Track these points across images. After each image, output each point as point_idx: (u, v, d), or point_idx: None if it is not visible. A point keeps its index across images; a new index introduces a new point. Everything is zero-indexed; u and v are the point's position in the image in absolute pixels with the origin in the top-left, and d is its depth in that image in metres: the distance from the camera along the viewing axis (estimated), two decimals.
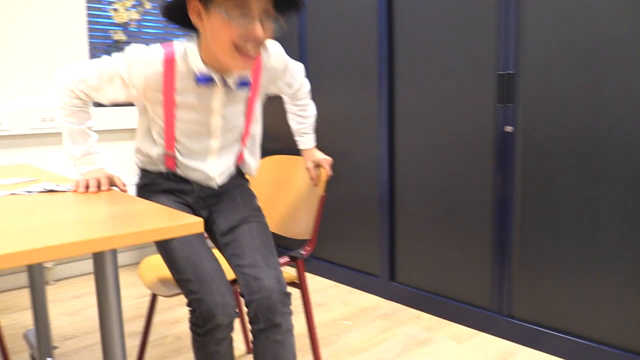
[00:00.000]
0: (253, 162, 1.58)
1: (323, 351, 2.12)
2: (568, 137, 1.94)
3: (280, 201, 1.79)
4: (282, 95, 1.65)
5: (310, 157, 1.66)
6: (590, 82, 1.86)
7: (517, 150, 2.09)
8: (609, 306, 1.89)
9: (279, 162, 1.88)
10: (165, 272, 1.52)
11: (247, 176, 1.60)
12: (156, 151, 1.44)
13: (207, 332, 1.30)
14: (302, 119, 1.68)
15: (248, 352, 2.12)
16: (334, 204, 2.89)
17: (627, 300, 1.85)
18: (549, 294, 2.06)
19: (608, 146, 1.84)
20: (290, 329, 1.36)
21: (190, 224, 0.98)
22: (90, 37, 3.02)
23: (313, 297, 2.72)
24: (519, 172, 2.09)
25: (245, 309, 1.37)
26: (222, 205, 1.51)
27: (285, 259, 1.60)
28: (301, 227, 1.67)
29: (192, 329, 1.34)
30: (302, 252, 1.62)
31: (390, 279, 2.65)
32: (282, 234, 1.75)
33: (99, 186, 1.32)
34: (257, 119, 1.54)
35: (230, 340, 1.37)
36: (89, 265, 3.09)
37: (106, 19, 3.09)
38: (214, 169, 1.47)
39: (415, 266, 2.54)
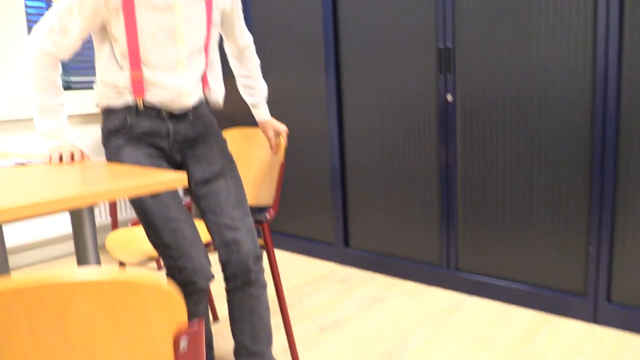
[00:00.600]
0: (218, 87, 1.57)
1: None
2: (501, 103, 2.11)
3: (242, 172, 1.87)
4: (234, 66, 1.71)
5: (270, 127, 1.74)
6: (520, 52, 2.04)
7: (458, 117, 2.25)
8: (543, 253, 2.10)
9: (237, 135, 1.94)
10: (133, 244, 1.57)
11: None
12: (122, 77, 1.39)
13: (186, 295, 1.38)
14: (256, 91, 1.74)
15: (214, 319, 2.20)
16: (287, 178, 2.99)
17: (558, 246, 2.05)
18: (491, 247, 2.25)
19: (537, 109, 2.03)
20: (264, 285, 1.47)
21: (166, 181, 1.02)
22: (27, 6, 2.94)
23: None
24: (460, 136, 2.26)
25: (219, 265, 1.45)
26: (197, 152, 1.50)
27: None
28: (264, 195, 1.76)
29: None
30: (267, 215, 1.70)
31: (344, 245, 2.78)
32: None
33: (72, 158, 1.35)
34: (216, 35, 1.53)
35: (207, 300, 1.45)
36: (52, 251, 3.06)
37: None
38: (185, 82, 1.42)
39: (368, 231, 2.68)
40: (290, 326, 1.82)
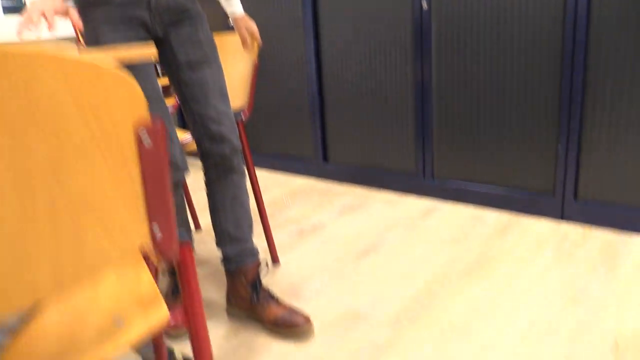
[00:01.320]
0: None
1: None
2: (475, 11, 2.11)
3: None
4: None
5: (244, 25, 1.70)
6: None
7: (433, 27, 2.24)
8: (515, 156, 2.16)
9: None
10: None
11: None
12: None
13: None
14: None
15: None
16: (266, 101, 2.98)
17: (529, 148, 2.11)
18: (466, 154, 2.30)
19: (510, 15, 2.03)
20: (244, 173, 1.51)
21: (135, 53, 0.98)
22: None
23: None
24: (435, 46, 2.26)
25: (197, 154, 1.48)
26: (182, 31, 1.41)
27: None
28: (239, 96, 1.77)
29: None
30: (242, 115, 1.72)
31: (323, 160, 2.82)
32: None
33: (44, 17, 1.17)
34: None
35: (183, 194, 1.49)
36: None
37: None
38: None
39: (346, 146, 2.71)
40: (269, 230, 1.88)
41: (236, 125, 1.48)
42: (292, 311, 1.50)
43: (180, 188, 1.46)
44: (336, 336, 1.46)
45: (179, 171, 1.40)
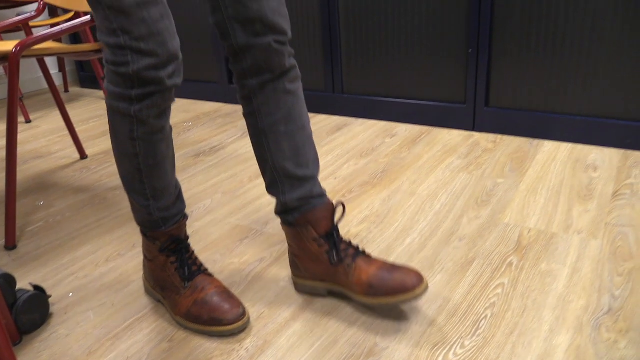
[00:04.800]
0: None
1: None
2: None
3: None
4: None
5: None
6: None
7: None
8: (426, 68, 2.02)
9: None
10: None
11: None
12: None
13: (139, 99, 0.88)
14: None
15: None
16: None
17: (439, 59, 1.98)
18: (376, 69, 2.14)
19: None
20: (300, 77, 1.04)
21: None
22: None
23: None
24: None
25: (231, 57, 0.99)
26: None
27: (87, 18, 1.45)
28: None
29: (116, 99, 0.89)
30: None
31: (228, 82, 2.60)
32: (81, 10, 1.58)
33: None
34: None
35: (169, 120, 0.97)
36: None
37: None
38: None
39: None
40: None
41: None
42: (395, 268, 0.99)
43: (169, 111, 0.95)
44: (227, 250, 1.30)
45: (175, 75, 0.89)
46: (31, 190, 1.77)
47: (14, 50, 1.33)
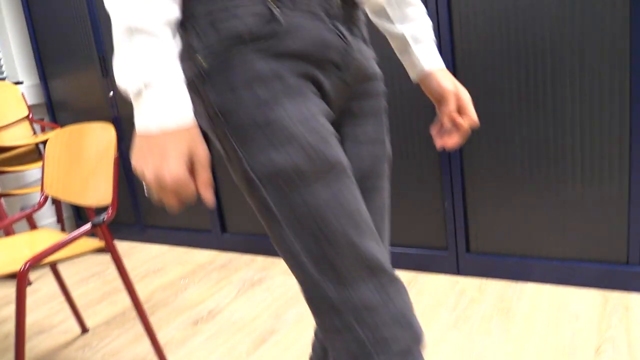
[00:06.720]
0: None
1: (161, 313, 2.14)
2: None
3: (76, 171, 1.72)
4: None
5: (451, 85, 0.89)
6: None
7: None
8: (409, 217, 2.15)
9: (73, 132, 1.79)
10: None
11: None
12: None
13: None
14: (414, 8, 0.91)
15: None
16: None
17: (418, 207, 2.11)
18: None
19: (396, 84, 2.04)
20: None
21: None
22: None
23: (150, 264, 2.69)
24: None
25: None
26: (362, 129, 0.83)
27: (87, 227, 1.56)
28: (100, 193, 1.63)
29: None
30: (104, 217, 1.58)
31: (222, 231, 2.71)
32: (82, 204, 1.70)
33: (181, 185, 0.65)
34: None
35: None
36: None
37: None
38: None
39: (242, 216, 2.62)
40: (153, 334, 1.71)
41: None
42: None
43: None
44: None
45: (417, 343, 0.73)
46: None
47: (21, 269, 1.43)
